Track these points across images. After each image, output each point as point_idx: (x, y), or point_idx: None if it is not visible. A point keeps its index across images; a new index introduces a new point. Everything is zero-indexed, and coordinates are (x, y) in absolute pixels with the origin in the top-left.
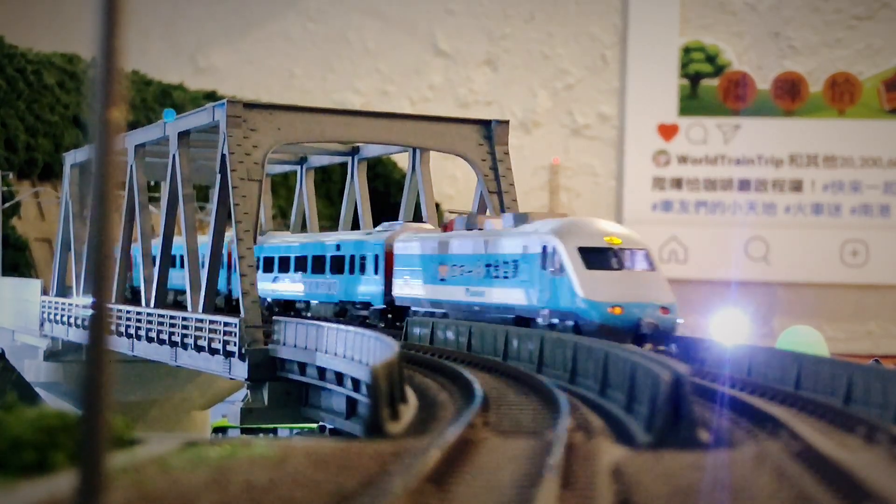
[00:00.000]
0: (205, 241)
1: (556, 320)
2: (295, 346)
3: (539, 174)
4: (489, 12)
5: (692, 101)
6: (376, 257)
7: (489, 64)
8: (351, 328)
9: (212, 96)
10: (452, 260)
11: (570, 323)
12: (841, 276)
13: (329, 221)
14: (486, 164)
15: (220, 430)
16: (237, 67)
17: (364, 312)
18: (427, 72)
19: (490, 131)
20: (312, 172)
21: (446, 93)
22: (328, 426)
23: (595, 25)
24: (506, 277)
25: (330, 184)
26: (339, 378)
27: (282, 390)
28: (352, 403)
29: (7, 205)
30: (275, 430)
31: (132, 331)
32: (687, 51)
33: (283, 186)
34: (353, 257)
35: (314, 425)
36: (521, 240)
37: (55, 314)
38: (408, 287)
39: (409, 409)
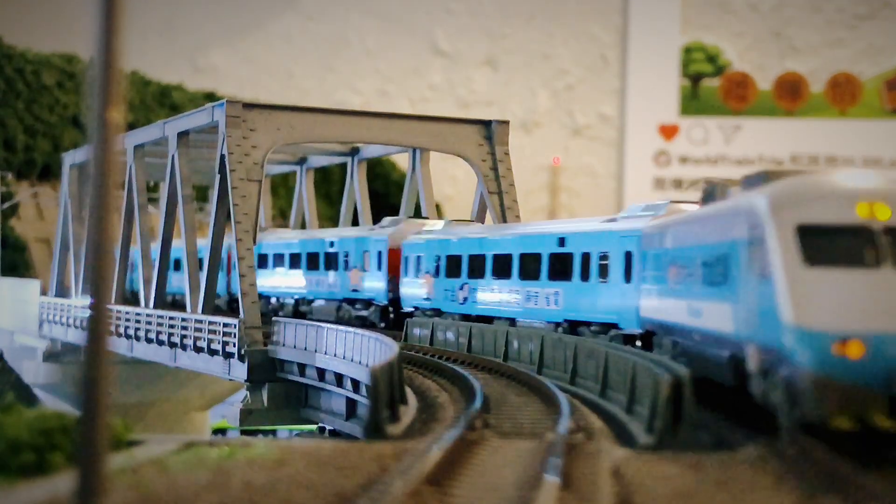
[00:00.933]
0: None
1: (768, 365)
2: (294, 346)
3: (539, 174)
4: (489, 12)
5: (693, 102)
6: (628, 255)
7: (489, 64)
8: (350, 328)
9: (211, 96)
10: (677, 258)
11: (784, 373)
12: None
13: (329, 222)
14: (486, 164)
15: (220, 431)
16: (236, 67)
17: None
18: (427, 72)
19: (490, 131)
20: (312, 173)
21: (446, 93)
22: (328, 427)
23: (595, 25)
24: (713, 284)
25: (329, 184)
26: (339, 379)
27: (281, 391)
28: (351, 405)
29: (6, 205)
30: (274, 432)
31: (131, 332)
32: (688, 51)
33: (282, 187)
34: (586, 256)
35: (313, 426)
36: (731, 218)
37: (54, 315)
38: (653, 301)
39: (409, 410)
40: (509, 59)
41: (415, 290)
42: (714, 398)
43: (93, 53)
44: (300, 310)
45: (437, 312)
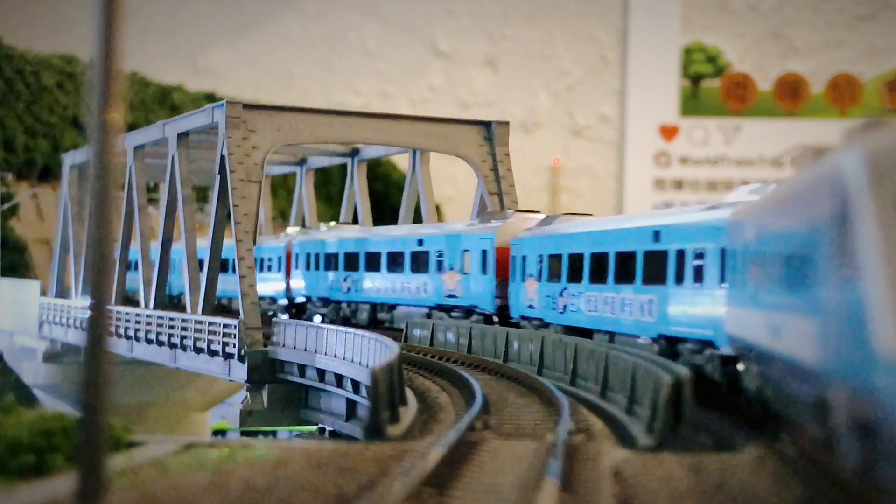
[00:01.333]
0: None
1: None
2: (294, 347)
3: (540, 175)
4: (489, 12)
5: (693, 102)
6: (723, 253)
7: (489, 65)
8: (350, 329)
9: (211, 97)
10: (756, 253)
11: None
12: None
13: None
14: (486, 165)
15: (220, 432)
16: (236, 68)
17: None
18: (427, 72)
19: (490, 132)
20: (312, 173)
21: (446, 94)
22: (327, 428)
23: (596, 26)
24: (791, 290)
25: (330, 185)
26: (339, 380)
27: (281, 392)
28: (351, 406)
29: (6, 206)
30: (274, 433)
31: (131, 333)
32: (688, 51)
33: (282, 187)
34: (681, 254)
35: (313, 427)
36: (814, 191)
37: (54, 316)
38: (736, 312)
39: (409, 411)
40: (509, 59)
41: (522, 296)
42: (714, 398)
43: (93, 54)
44: (378, 317)
45: (543, 324)
